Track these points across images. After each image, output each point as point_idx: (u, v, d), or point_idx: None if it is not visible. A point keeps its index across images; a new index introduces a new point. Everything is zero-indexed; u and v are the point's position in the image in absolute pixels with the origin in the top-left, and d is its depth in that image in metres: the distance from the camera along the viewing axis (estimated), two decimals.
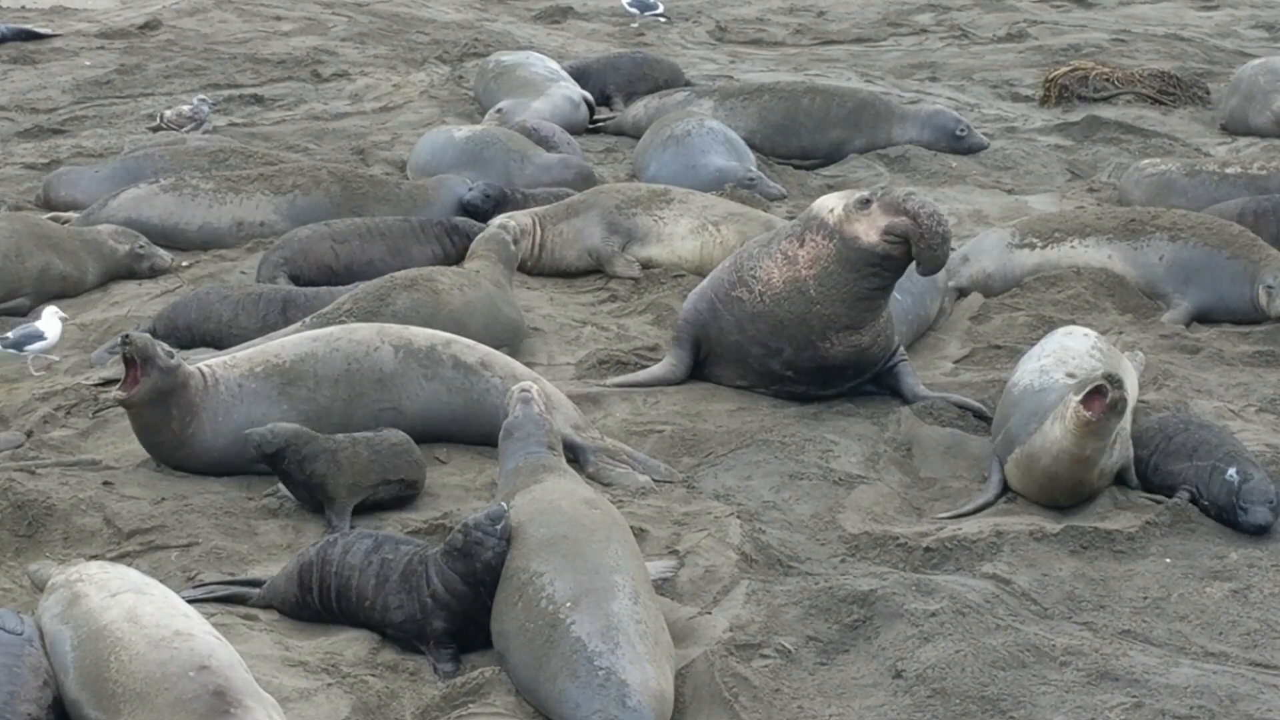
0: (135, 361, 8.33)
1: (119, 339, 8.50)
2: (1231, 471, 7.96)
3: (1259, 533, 7.89)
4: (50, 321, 9.99)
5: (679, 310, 10.82)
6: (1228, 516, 8.00)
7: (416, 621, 6.96)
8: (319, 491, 8.10)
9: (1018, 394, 8.68)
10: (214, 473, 8.51)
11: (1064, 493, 8.25)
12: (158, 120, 14.98)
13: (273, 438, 8.08)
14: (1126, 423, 8.51)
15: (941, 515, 8.44)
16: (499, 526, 6.88)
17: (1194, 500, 8.08)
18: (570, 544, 6.83)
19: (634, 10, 20.35)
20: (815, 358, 9.40)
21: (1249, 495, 7.89)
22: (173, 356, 8.41)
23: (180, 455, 8.54)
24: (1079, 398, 8.00)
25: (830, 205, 9.36)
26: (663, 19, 20.46)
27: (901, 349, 9.71)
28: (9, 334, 10.04)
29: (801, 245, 9.36)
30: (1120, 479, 8.42)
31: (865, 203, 9.18)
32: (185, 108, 15.08)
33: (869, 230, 9.14)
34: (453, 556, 6.90)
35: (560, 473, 7.53)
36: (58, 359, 10.02)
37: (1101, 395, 7.96)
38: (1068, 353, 8.90)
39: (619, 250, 11.67)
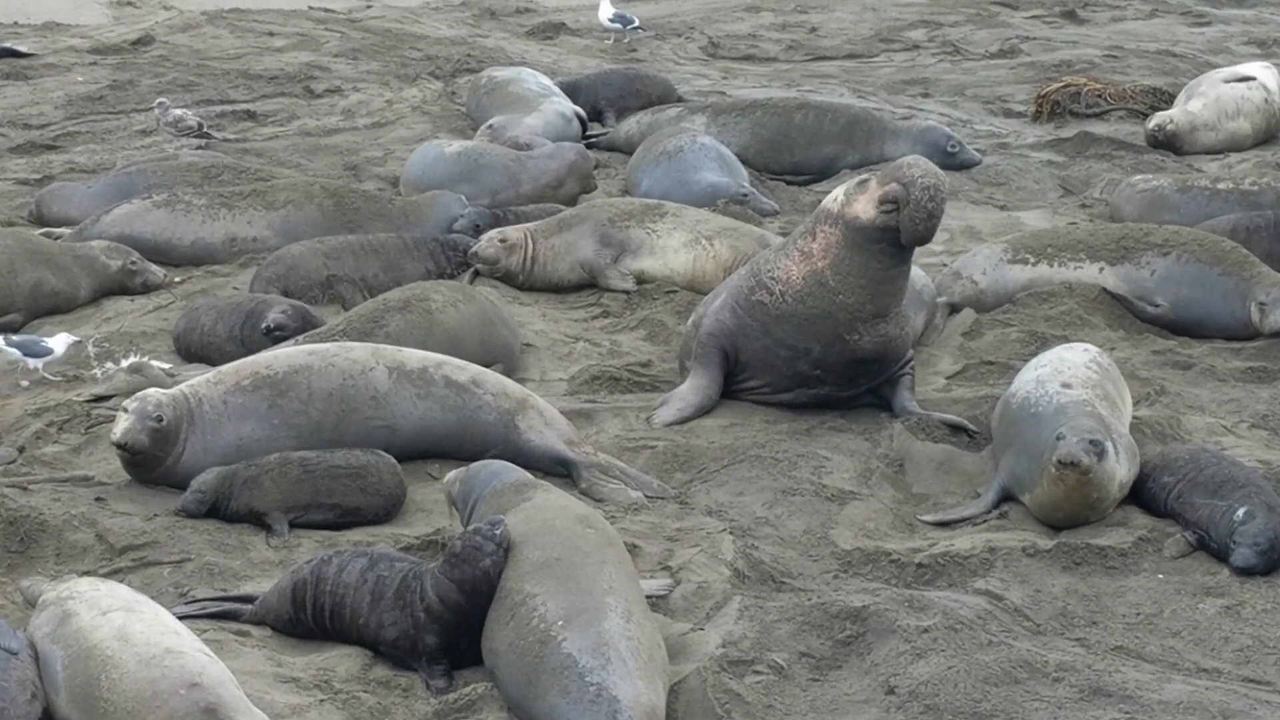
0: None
1: (116, 449, 8.47)
2: (1241, 511, 7.90)
3: (1244, 574, 7.75)
4: (59, 340, 10.00)
5: (671, 326, 10.85)
6: (1226, 555, 7.90)
7: (410, 638, 6.96)
8: (255, 518, 8.20)
9: (1016, 407, 8.69)
10: None
11: (1094, 518, 8.27)
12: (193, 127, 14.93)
13: (201, 502, 8.19)
14: (1115, 422, 8.53)
15: (925, 518, 8.45)
16: (498, 533, 6.89)
17: (1202, 544, 8.01)
18: (565, 566, 6.83)
19: (616, 26, 20.38)
20: (844, 352, 9.41)
21: (1243, 535, 7.81)
22: (162, 420, 8.37)
23: (174, 480, 8.52)
24: (1056, 471, 8.04)
25: (835, 195, 9.46)
26: (642, 31, 20.52)
27: (913, 358, 9.76)
28: (15, 336, 10.09)
29: (814, 239, 9.42)
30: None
31: (864, 182, 9.30)
32: (187, 111, 15.09)
33: (866, 206, 9.21)
34: (451, 564, 6.90)
35: (545, 489, 7.55)
36: (50, 377, 9.99)
37: (1074, 467, 8.00)
38: (1064, 363, 8.94)
39: (611, 262, 11.66)
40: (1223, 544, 7.88)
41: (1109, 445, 8.13)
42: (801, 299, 9.41)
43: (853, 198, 9.28)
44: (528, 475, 7.76)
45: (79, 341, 10.11)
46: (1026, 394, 8.69)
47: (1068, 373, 8.78)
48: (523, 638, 6.61)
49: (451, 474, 7.90)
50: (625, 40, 20.35)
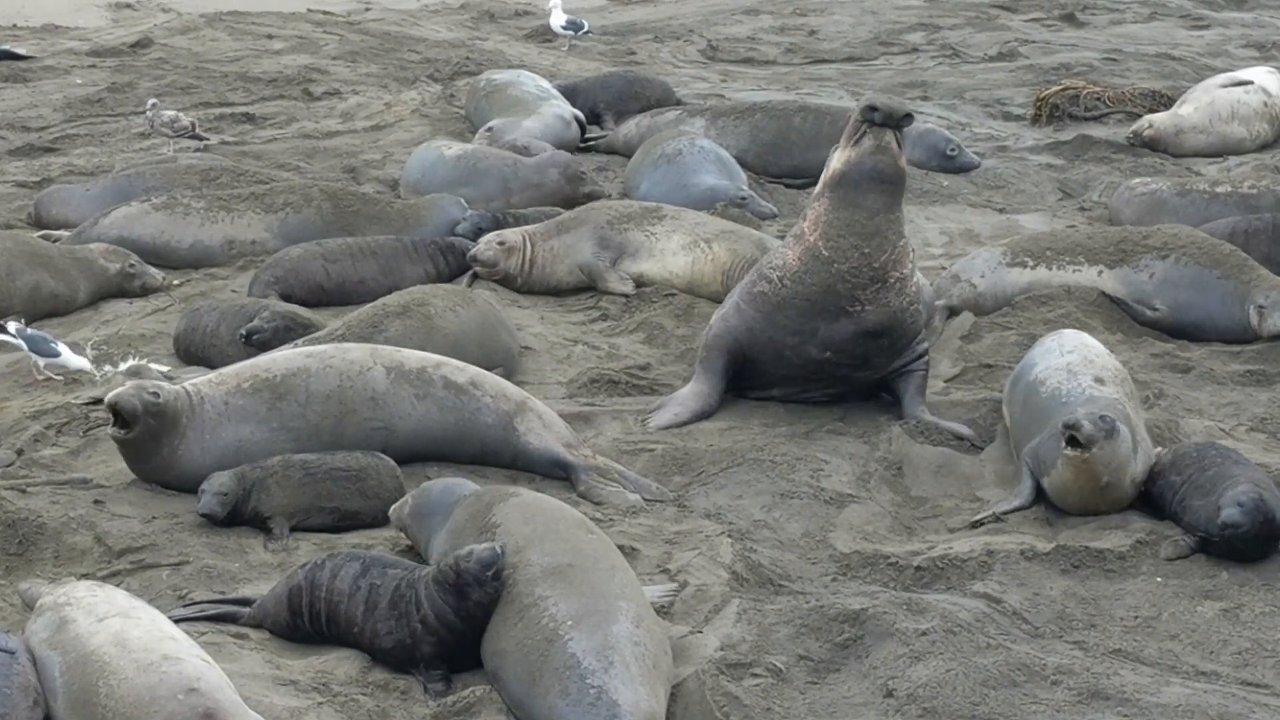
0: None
1: (105, 408, 8.44)
2: (1226, 489, 7.91)
3: (1232, 533, 7.72)
4: (75, 356, 10.01)
5: (670, 329, 10.86)
6: (1214, 533, 7.86)
7: (406, 647, 6.94)
8: (259, 523, 8.18)
9: (1045, 397, 8.71)
10: None
11: (1106, 509, 8.32)
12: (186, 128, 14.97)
13: (224, 504, 8.10)
14: (1138, 422, 8.54)
15: (977, 518, 8.45)
16: (491, 573, 6.85)
17: (1203, 546, 7.97)
18: (578, 571, 6.83)
19: (568, 32, 20.44)
20: (850, 325, 9.42)
21: (1228, 499, 7.80)
22: (158, 395, 8.36)
23: (169, 476, 8.52)
24: (1066, 449, 8.10)
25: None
26: (591, 34, 20.63)
27: (928, 353, 9.78)
28: (28, 328, 10.09)
29: (805, 220, 9.56)
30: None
31: (834, 150, 9.50)
32: (179, 113, 15.11)
33: (844, 153, 9.37)
34: (444, 588, 6.88)
35: (526, 491, 7.59)
36: (57, 378, 10.00)
37: (1076, 443, 8.05)
38: (1091, 351, 9.05)
39: (610, 265, 11.67)
40: (1212, 525, 7.85)
41: (1122, 428, 8.16)
42: (800, 279, 9.45)
43: (830, 163, 9.47)
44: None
45: (90, 370, 10.08)
46: (1058, 384, 8.74)
47: (1097, 362, 8.88)
48: (531, 637, 6.60)
49: (395, 505, 7.90)
50: (579, 45, 20.40)
